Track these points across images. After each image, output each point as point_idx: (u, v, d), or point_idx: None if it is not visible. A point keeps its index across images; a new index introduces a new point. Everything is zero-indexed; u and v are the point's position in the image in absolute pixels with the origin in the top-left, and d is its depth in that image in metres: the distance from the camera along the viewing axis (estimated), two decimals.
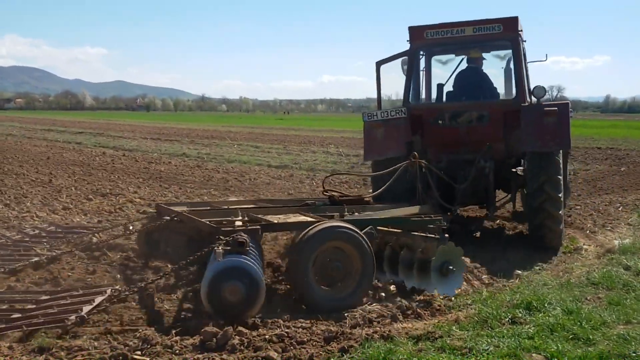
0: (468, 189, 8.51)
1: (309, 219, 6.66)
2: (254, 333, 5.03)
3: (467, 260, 7.06)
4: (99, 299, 5.62)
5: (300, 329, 5.19)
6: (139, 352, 4.67)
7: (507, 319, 5.32)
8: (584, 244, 8.72)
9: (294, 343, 4.89)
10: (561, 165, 8.39)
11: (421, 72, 9.69)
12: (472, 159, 8.63)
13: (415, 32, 9.09)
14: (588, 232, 9.72)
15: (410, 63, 9.17)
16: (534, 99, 8.57)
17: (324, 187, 8.29)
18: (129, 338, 4.98)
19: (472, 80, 9.39)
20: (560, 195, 8.19)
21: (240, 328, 5.04)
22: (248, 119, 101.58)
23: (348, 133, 44.50)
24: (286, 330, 5.10)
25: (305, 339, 4.95)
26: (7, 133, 41.06)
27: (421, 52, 9.51)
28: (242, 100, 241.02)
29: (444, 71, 9.89)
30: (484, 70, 9.60)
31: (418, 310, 5.63)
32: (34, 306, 5.64)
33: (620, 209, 11.88)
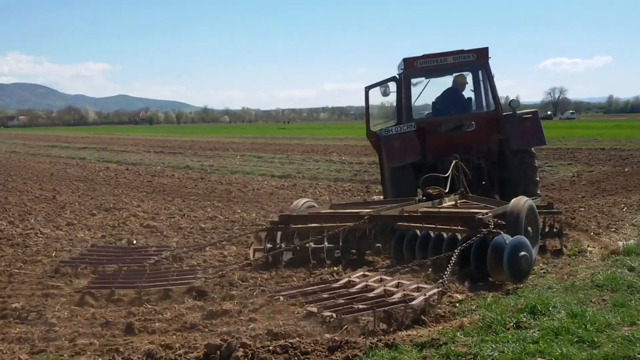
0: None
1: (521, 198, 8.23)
2: (258, 344, 5.01)
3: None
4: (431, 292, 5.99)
5: (305, 338, 5.18)
6: None
7: (512, 324, 5.29)
8: (588, 246, 8.68)
9: (299, 354, 4.87)
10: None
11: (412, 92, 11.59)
12: (466, 159, 10.41)
13: (408, 62, 11.11)
14: (592, 233, 9.68)
15: (407, 86, 11.26)
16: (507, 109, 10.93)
17: (422, 187, 9.78)
18: (135, 352, 4.99)
19: (455, 97, 11.55)
20: (536, 164, 10.82)
21: (244, 340, 5.04)
22: (250, 129, 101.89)
23: (351, 141, 44.55)
24: (290, 340, 5.08)
25: (309, 349, 4.93)
26: (10, 150, 41.29)
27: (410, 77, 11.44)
28: (245, 111, 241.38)
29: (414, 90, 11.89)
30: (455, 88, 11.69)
31: (422, 317, 5.62)
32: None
33: (624, 209, 11.82)
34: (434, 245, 7.53)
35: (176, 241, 9.86)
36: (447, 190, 9.46)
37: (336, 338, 5.10)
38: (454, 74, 11.50)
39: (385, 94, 11.61)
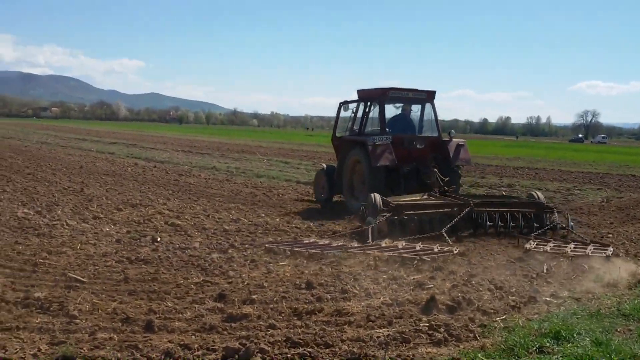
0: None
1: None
2: (277, 351, 5.00)
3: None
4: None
5: (323, 348, 5.15)
6: None
7: (535, 348, 5.20)
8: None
9: None
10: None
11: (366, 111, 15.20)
12: (417, 168, 14.07)
13: (385, 91, 14.45)
14: (620, 261, 9.49)
15: (382, 107, 14.43)
16: (447, 137, 14.77)
17: (444, 188, 13.31)
18: (154, 350, 5.00)
19: (409, 121, 15.06)
20: (460, 181, 14.78)
21: (262, 345, 5.02)
22: (278, 134, 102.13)
23: None
24: (309, 349, 5.05)
25: None
26: (42, 141, 41.88)
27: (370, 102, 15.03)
28: (274, 116, 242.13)
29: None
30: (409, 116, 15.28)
31: (444, 334, 5.55)
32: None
33: None
34: (507, 222, 11.28)
35: (199, 241, 9.89)
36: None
37: (354, 350, 5.06)
38: (403, 104, 15.03)
39: (345, 109, 15.49)
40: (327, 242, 10.02)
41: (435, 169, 13.53)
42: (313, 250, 9.19)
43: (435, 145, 14.68)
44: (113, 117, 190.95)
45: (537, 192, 12.84)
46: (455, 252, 9.28)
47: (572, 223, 11.47)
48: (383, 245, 9.67)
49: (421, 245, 9.58)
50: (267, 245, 9.55)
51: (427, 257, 8.72)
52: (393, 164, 13.62)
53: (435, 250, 9.31)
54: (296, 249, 9.25)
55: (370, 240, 9.99)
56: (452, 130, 15.16)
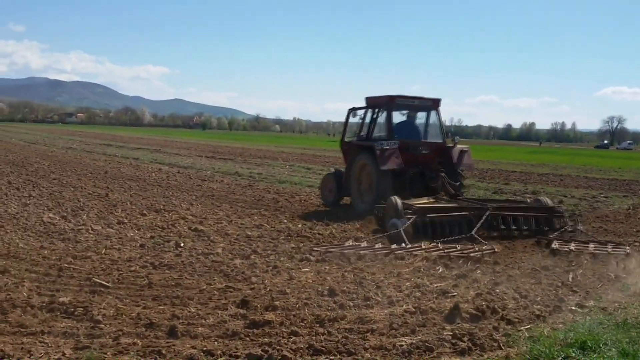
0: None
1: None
2: (299, 358, 4.99)
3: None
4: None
5: (345, 355, 5.13)
6: None
7: (560, 358, 5.12)
8: None
9: None
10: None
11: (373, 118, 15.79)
12: (422, 172, 14.52)
13: (391, 98, 15.04)
14: None
15: (389, 114, 15.07)
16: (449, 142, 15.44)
17: (455, 192, 13.75)
18: (177, 356, 5.01)
19: (415, 127, 15.71)
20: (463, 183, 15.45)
21: (285, 352, 5.01)
22: (301, 139, 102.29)
23: None
24: (331, 357, 5.04)
25: None
26: (67, 146, 42.40)
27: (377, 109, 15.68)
28: (296, 121, 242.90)
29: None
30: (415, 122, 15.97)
31: (468, 344, 5.50)
32: None
33: None
34: (519, 225, 11.80)
35: (222, 247, 9.92)
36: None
37: (378, 358, 5.03)
38: (409, 111, 15.69)
39: (353, 116, 16.23)
40: (366, 245, 10.16)
41: (443, 174, 13.98)
42: (363, 252, 9.42)
43: (439, 151, 15.21)
44: (138, 123, 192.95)
45: (545, 198, 13.51)
46: (496, 250, 9.88)
47: (580, 226, 12.23)
48: (424, 246, 9.86)
49: (459, 246, 9.93)
50: (315, 249, 9.74)
51: (473, 255, 9.29)
52: (400, 168, 14.16)
53: (477, 249, 9.75)
54: (345, 251, 9.45)
55: (406, 242, 10.16)
56: (457, 137, 15.78)
